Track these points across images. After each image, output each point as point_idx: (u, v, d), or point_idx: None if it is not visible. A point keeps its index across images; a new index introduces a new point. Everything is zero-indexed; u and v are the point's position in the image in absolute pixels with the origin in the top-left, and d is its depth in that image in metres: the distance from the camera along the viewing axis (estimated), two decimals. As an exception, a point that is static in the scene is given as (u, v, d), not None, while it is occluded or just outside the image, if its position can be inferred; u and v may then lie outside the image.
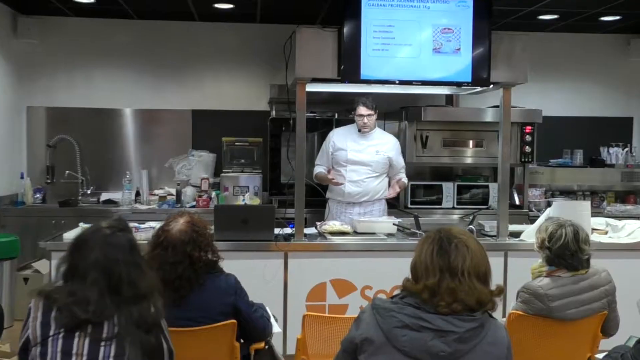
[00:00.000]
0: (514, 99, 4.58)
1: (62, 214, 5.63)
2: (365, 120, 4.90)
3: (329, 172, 4.98)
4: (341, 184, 4.91)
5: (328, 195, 5.06)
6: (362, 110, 4.88)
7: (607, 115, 6.85)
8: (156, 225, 2.96)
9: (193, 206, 5.82)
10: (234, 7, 5.75)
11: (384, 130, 5.36)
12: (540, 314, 2.94)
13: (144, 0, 5.62)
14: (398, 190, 5.02)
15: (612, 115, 6.86)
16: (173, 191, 6.01)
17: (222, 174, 5.92)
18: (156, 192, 6.13)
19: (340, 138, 5.04)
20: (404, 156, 5.64)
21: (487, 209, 5.60)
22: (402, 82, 4.36)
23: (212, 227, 3.71)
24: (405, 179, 5.12)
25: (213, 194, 5.87)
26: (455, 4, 4.31)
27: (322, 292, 4.18)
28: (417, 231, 4.40)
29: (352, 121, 5.09)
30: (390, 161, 5.02)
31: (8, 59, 5.96)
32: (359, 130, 4.97)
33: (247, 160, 6.02)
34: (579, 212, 4.11)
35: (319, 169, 5.04)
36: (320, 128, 5.20)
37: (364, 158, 4.96)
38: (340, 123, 5.53)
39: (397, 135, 5.87)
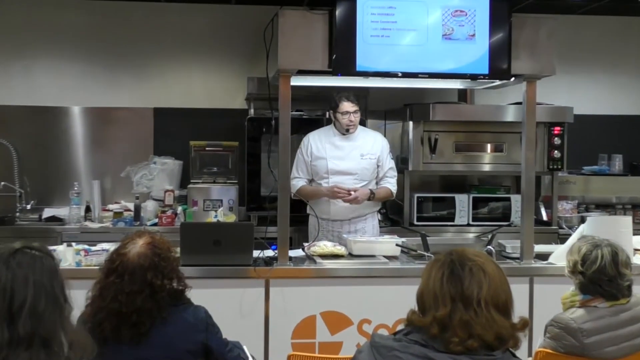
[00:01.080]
0: (539, 94, 4.60)
1: (-4, 234, 5.60)
2: (352, 117, 4.90)
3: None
4: (352, 198, 4.82)
5: (309, 211, 5.04)
6: (347, 106, 4.88)
7: (650, 113, 6.91)
8: (110, 247, 2.95)
9: (155, 224, 5.80)
10: (205, -16, 5.77)
11: (384, 131, 5.36)
12: (573, 353, 2.94)
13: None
14: (358, 196, 4.80)
15: (656, 113, 6.93)
16: (131, 206, 5.98)
17: (190, 185, 5.90)
18: (110, 207, 6.09)
19: (317, 144, 5.02)
20: (407, 162, 5.64)
21: (508, 226, 5.62)
22: (406, 75, 4.38)
23: (178, 249, 3.71)
24: (393, 188, 5.05)
25: (179, 209, 5.85)
26: (468, -19, 4.34)
27: (311, 328, 4.16)
28: (425, 253, 4.40)
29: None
30: (378, 163, 5.02)
31: None
32: (347, 131, 4.96)
33: (221, 168, 6.01)
34: (618, 229, 4.14)
35: (300, 183, 4.98)
36: (308, 129, 5.20)
37: (347, 166, 4.96)
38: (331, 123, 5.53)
39: (401, 138, 5.89)
